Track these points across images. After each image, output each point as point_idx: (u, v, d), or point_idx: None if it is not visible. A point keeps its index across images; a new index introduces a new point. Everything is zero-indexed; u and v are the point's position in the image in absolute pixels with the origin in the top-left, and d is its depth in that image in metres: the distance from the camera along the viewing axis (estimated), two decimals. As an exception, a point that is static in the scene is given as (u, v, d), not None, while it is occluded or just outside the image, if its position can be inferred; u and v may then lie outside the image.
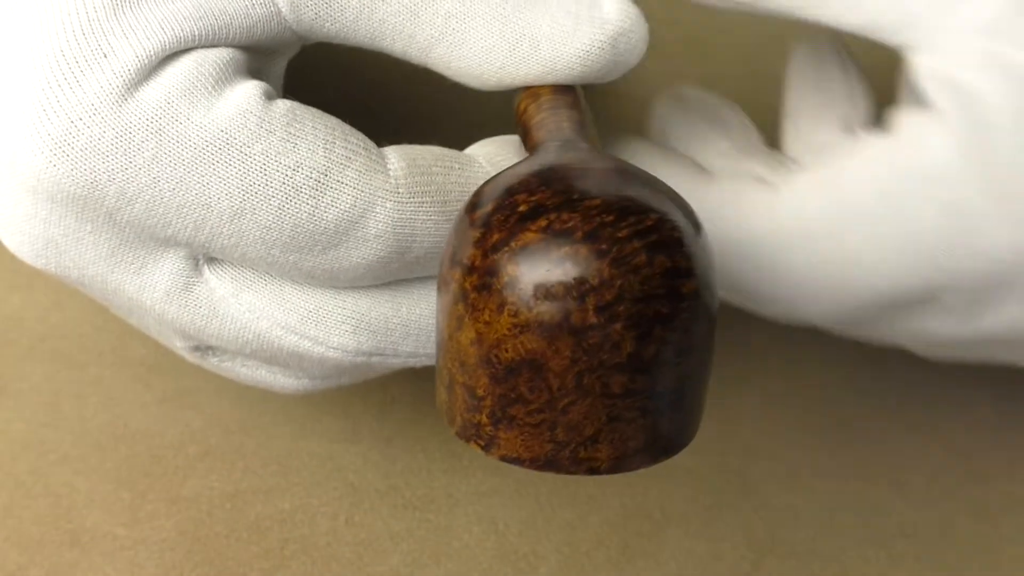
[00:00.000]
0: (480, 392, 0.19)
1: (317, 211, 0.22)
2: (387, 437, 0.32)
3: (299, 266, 0.23)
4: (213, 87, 0.22)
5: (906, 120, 0.26)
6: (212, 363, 0.27)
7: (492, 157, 0.25)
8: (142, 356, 0.33)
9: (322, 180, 0.22)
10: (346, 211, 0.22)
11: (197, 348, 0.26)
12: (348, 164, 0.23)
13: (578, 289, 0.18)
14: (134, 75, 0.21)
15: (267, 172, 0.22)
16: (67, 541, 0.30)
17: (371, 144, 0.23)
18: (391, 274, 0.24)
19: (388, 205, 0.23)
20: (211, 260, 0.24)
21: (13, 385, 0.33)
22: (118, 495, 0.31)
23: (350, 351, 0.24)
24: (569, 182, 0.19)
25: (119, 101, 0.21)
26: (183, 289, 0.24)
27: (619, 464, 0.19)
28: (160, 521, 0.30)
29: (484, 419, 0.19)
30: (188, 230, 0.23)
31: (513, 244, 0.18)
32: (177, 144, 0.22)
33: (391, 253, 0.23)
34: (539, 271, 0.18)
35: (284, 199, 0.22)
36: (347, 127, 0.23)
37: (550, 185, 0.19)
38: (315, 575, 0.30)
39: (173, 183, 0.22)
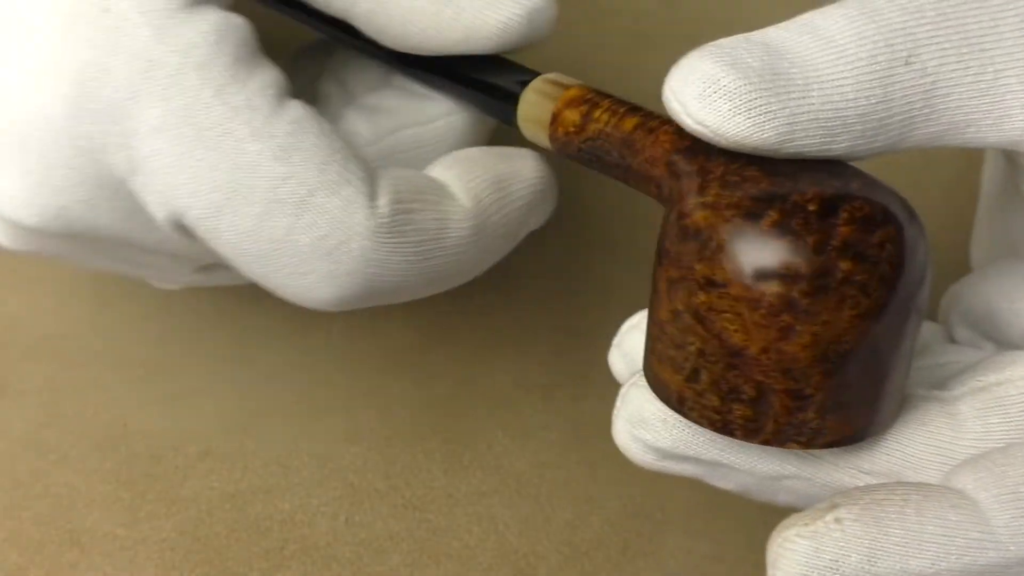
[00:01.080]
0: (809, 391, 0.20)
1: (293, 231, 0.22)
2: (387, 437, 0.32)
3: (266, 281, 0.23)
4: (229, 67, 0.22)
5: None
6: (221, 276, 0.27)
7: (465, 184, 0.24)
8: (142, 356, 0.33)
9: (306, 199, 0.22)
10: (320, 239, 0.22)
11: (205, 268, 0.26)
12: (336, 191, 0.22)
13: (903, 265, 0.19)
14: (145, 29, 0.21)
15: (256, 175, 0.22)
16: (67, 541, 0.30)
17: (369, 175, 0.23)
18: (352, 307, 0.24)
19: (365, 244, 0.22)
20: None
21: (13, 385, 0.33)
22: (118, 495, 0.31)
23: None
24: (811, 176, 0.20)
25: (129, 59, 0.21)
26: (198, 242, 0.24)
27: (896, 416, 0.21)
28: (160, 521, 0.30)
29: (811, 415, 0.20)
30: (178, 212, 0.22)
31: (833, 242, 0.19)
32: (180, 118, 0.21)
33: (358, 291, 0.23)
34: (870, 259, 0.19)
35: (265, 208, 0.22)
36: (351, 152, 0.23)
37: (809, 181, 0.20)
38: (315, 575, 0.30)
39: (171, 159, 0.22)
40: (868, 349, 0.19)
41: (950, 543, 0.20)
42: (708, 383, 0.20)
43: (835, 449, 0.21)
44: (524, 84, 0.25)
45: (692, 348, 0.20)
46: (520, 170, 0.25)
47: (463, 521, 0.31)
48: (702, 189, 0.20)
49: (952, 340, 0.25)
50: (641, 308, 0.24)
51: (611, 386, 0.33)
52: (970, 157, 0.32)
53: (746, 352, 0.19)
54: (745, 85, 0.19)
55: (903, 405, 0.22)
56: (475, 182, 0.24)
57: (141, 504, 0.31)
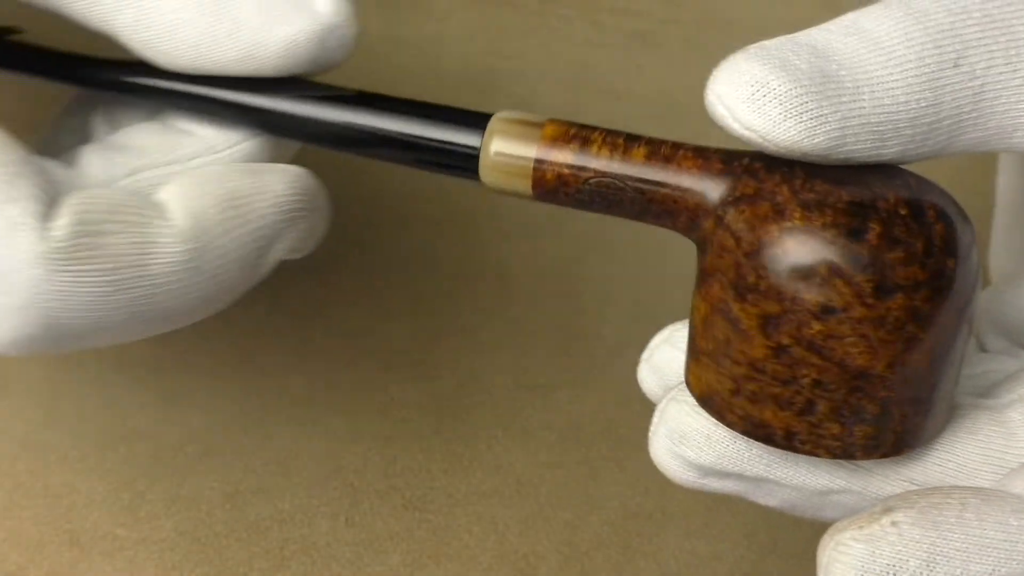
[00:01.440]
0: (924, 394, 0.19)
1: None
2: (387, 437, 0.32)
3: None
4: None
5: None
6: None
7: (187, 202, 0.21)
8: (142, 356, 0.33)
9: None
10: None
11: None
12: None
13: (975, 258, 0.19)
14: None
15: None
16: (67, 541, 0.30)
17: (47, 194, 0.20)
18: (40, 351, 0.21)
19: (35, 273, 0.19)
20: None
21: (13, 385, 0.33)
22: (118, 495, 0.31)
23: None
24: (878, 180, 0.19)
25: None
26: None
27: (947, 422, 0.21)
28: (160, 521, 0.30)
29: (922, 418, 0.20)
30: None
31: (936, 242, 0.18)
32: None
33: (38, 330, 0.20)
34: (962, 253, 0.19)
35: None
36: (26, 168, 0.20)
37: (881, 185, 0.19)
38: (315, 575, 0.30)
39: None
40: (961, 343, 0.19)
41: (1012, 548, 0.19)
42: (827, 412, 0.19)
43: (883, 461, 0.21)
44: (471, 128, 0.21)
45: (806, 381, 0.19)
46: (267, 186, 0.22)
47: (463, 521, 0.31)
48: (779, 213, 0.19)
49: (983, 349, 0.25)
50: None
51: (611, 386, 0.33)
52: (974, 166, 0.32)
53: (871, 372, 0.19)
54: (795, 88, 0.18)
55: (951, 413, 0.21)
56: (200, 199, 0.21)
57: (141, 504, 0.31)
